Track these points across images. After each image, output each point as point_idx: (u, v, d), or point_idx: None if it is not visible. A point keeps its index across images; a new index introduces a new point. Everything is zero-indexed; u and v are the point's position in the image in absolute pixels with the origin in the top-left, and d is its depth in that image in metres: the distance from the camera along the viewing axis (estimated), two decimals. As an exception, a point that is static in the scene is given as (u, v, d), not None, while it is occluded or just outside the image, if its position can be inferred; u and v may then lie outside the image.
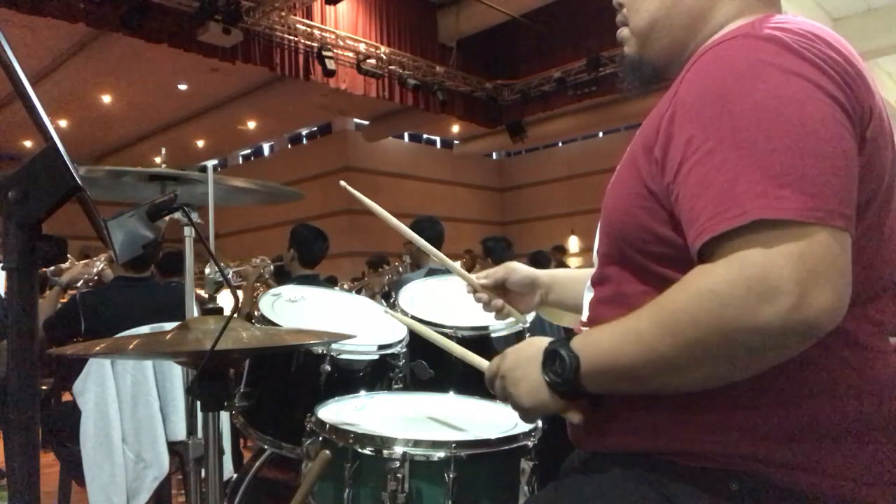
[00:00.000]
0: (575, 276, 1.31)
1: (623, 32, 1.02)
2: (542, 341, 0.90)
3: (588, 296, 1.02)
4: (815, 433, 0.78)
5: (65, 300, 3.09)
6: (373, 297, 4.71)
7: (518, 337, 1.94)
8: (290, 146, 16.84)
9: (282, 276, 3.97)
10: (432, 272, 3.60)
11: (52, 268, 3.20)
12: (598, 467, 0.91)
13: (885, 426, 0.80)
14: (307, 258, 3.57)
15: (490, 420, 1.40)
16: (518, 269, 1.31)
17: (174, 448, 2.29)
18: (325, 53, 8.85)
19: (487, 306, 1.31)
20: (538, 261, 5.24)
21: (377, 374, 1.82)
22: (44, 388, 3.97)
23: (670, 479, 0.83)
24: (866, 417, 0.79)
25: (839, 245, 0.70)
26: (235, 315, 1.04)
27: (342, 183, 1.40)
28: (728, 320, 0.70)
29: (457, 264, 1.39)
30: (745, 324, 0.69)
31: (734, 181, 0.72)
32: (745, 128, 0.74)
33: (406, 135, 16.09)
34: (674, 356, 0.75)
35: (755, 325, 0.69)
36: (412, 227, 3.81)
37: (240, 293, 2.37)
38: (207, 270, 1.74)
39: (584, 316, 1.02)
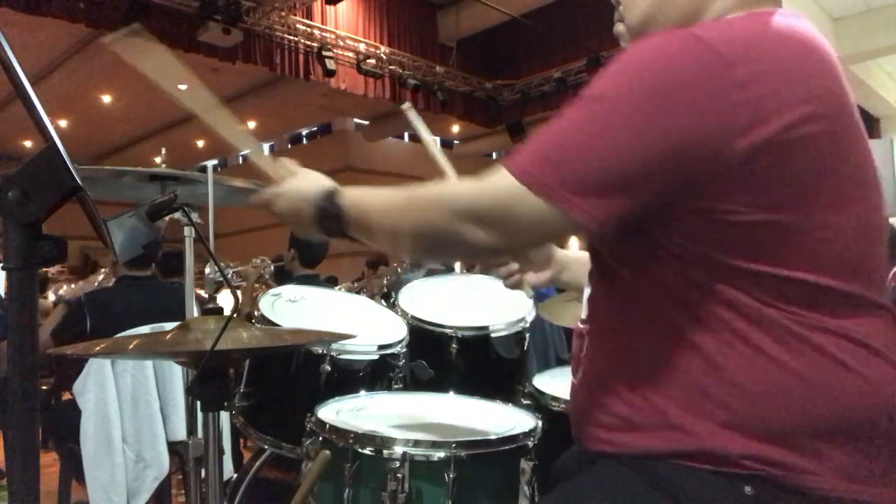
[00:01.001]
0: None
1: (619, 28, 1.01)
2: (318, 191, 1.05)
3: (587, 292, 1.03)
4: (828, 435, 0.78)
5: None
6: (372, 297, 4.70)
7: (518, 338, 1.94)
8: (290, 146, 16.82)
9: (282, 276, 3.97)
10: (432, 272, 3.60)
11: (62, 292, 3.23)
12: (607, 470, 0.89)
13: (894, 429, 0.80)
14: (307, 258, 3.57)
15: (490, 420, 1.40)
16: None
17: (174, 448, 2.29)
18: (325, 53, 8.84)
19: (500, 270, 1.36)
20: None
21: (377, 374, 1.82)
22: (44, 388, 3.97)
23: (682, 483, 0.81)
24: (878, 420, 0.79)
25: (530, 206, 0.80)
26: (235, 315, 1.04)
27: (406, 104, 1.51)
28: (438, 214, 0.88)
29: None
30: (439, 222, 0.88)
31: (534, 138, 0.85)
32: (581, 102, 0.83)
33: (406, 135, 16.08)
34: (398, 212, 0.94)
35: (442, 227, 0.88)
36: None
37: (240, 293, 2.37)
38: (207, 270, 1.74)
39: (584, 314, 1.02)
